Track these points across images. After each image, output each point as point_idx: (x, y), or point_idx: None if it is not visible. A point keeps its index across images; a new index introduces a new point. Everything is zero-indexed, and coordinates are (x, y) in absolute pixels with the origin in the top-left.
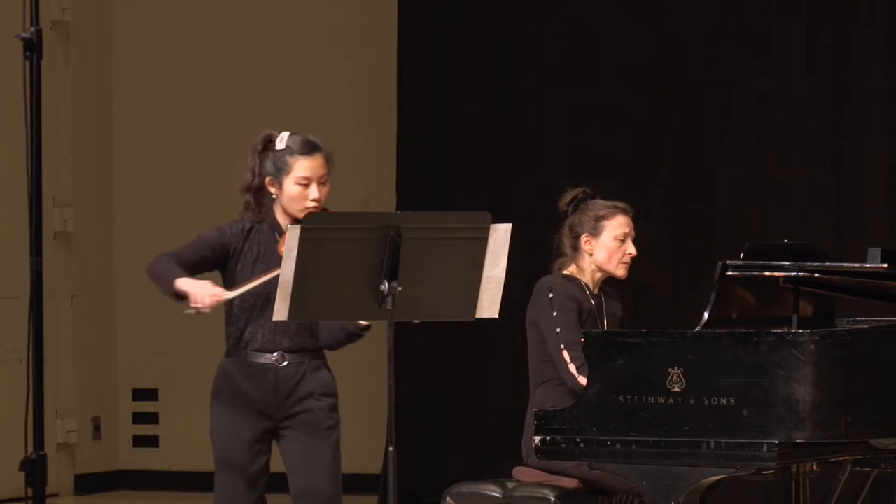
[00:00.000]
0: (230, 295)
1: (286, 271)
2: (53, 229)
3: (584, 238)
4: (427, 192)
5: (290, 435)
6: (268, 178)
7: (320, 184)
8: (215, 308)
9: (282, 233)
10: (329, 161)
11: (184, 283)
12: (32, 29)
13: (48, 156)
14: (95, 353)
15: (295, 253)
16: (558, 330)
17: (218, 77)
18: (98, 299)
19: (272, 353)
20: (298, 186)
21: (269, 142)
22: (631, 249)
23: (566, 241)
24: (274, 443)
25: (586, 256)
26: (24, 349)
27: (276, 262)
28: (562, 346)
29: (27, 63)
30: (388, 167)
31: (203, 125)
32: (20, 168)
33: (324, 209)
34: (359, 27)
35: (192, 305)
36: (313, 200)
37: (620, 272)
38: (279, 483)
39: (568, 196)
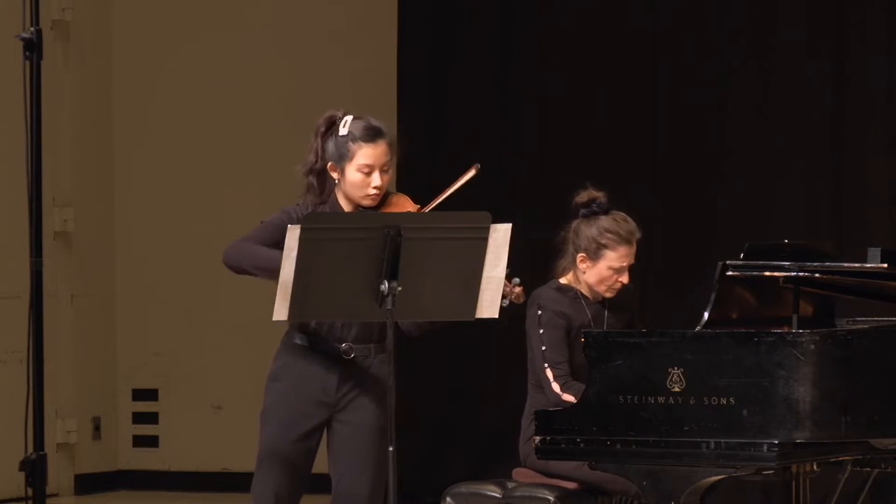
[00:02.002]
0: None
1: (286, 271)
2: (53, 229)
3: (580, 256)
4: (427, 192)
5: (341, 430)
6: (329, 164)
7: (383, 171)
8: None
9: None
10: (392, 147)
11: None
12: (32, 29)
13: (48, 156)
14: (95, 353)
15: (295, 253)
16: (543, 348)
17: (218, 77)
18: (98, 299)
19: (341, 342)
20: (360, 174)
21: (332, 124)
22: (624, 278)
23: (570, 247)
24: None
25: (580, 272)
26: (24, 349)
27: None
28: (545, 364)
29: (27, 63)
30: None
31: (203, 125)
32: (20, 168)
33: (385, 195)
34: (359, 27)
35: None
36: (375, 188)
37: (608, 295)
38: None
39: (584, 197)
